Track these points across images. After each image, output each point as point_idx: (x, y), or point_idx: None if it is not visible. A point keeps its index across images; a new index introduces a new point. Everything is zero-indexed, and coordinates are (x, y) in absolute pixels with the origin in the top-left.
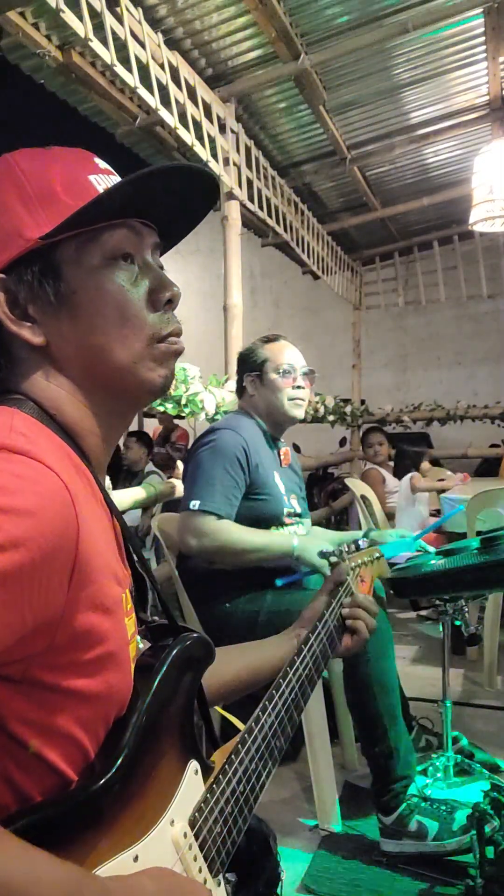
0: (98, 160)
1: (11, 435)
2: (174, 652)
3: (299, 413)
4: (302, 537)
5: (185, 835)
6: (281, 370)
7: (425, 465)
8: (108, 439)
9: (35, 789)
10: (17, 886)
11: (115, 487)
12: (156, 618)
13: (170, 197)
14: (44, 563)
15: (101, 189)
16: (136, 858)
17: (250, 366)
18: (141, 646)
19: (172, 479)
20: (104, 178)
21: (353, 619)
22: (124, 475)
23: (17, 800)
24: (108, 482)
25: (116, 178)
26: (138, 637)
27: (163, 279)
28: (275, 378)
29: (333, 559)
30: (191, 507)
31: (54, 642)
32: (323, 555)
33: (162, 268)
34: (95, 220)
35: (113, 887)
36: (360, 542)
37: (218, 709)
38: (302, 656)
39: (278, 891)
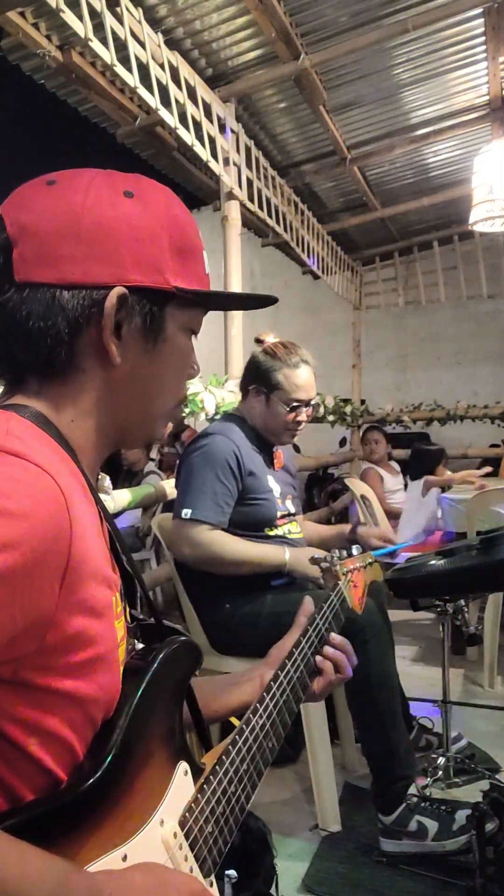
0: None
1: (8, 437)
2: (161, 656)
3: (291, 441)
4: (294, 549)
5: (175, 835)
6: (288, 405)
7: (441, 469)
8: (100, 454)
9: (27, 790)
10: (7, 879)
11: (115, 487)
12: (144, 616)
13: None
14: (36, 565)
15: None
16: (124, 858)
17: (261, 379)
18: (138, 646)
19: (171, 480)
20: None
21: (324, 659)
22: (124, 475)
23: (9, 800)
24: (108, 482)
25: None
26: (133, 637)
27: (195, 359)
28: (279, 408)
29: (325, 565)
30: (183, 515)
31: (45, 644)
32: (314, 561)
33: None
34: (208, 299)
35: (101, 880)
36: (353, 549)
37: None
38: (272, 693)
39: (273, 889)
